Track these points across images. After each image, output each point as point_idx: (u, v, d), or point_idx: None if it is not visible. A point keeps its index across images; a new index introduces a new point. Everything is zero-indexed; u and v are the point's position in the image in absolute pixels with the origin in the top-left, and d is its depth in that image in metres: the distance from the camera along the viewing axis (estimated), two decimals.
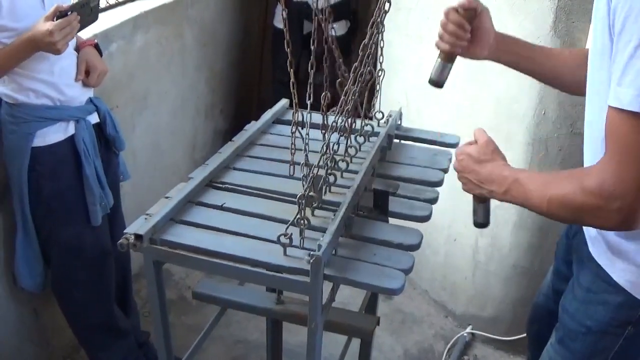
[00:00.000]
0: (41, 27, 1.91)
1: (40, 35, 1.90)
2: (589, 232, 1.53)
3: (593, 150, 1.40)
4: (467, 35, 1.58)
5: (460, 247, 3.06)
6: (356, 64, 1.53)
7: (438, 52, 1.67)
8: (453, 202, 2.92)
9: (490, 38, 1.61)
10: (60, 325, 2.55)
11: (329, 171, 1.63)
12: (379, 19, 1.48)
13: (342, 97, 1.55)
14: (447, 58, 1.61)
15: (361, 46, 1.51)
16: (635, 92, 1.09)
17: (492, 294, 3.02)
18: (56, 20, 1.92)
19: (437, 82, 1.65)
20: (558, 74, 1.69)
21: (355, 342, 2.13)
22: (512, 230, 2.80)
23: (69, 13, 1.95)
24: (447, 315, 3.25)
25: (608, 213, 1.18)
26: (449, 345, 3.06)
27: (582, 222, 1.30)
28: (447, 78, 1.66)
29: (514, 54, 1.68)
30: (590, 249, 1.52)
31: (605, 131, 1.18)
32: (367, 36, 1.53)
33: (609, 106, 1.15)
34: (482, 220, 1.59)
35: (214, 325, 1.93)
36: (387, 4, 1.45)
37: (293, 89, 1.61)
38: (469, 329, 3.11)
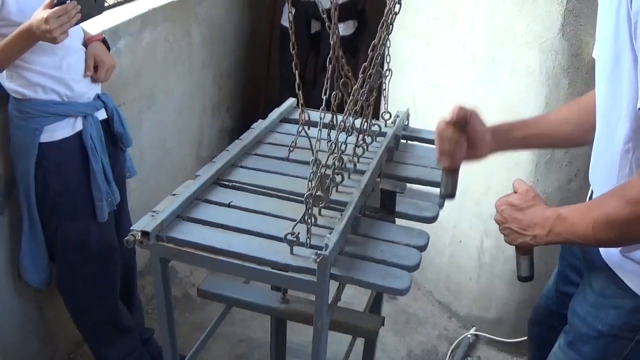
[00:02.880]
0: (38, 15, 1.89)
1: (37, 23, 1.88)
2: None
3: (606, 164, 1.40)
4: (464, 146, 1.54)
5: (466, 248, 3.05)
6: (365, 64, 1.53)
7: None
8: (459, 202, 2.92)
9: (487, 138, 1.57)
10: (64, 320, 2.55)
11: (337, 171, 1.63)
12: (388, 20, 1.48)
13: (350, 97, 1.55)
14: (452, 171, 1.60)
15: (371, 46, 1.51)
16: None
17: (496, 295, 3.02)
18: (53, 8, 1.89)
19: (451, 194, 1.63)
20: (563, 134, 1.66)
21: (359, 342, 2.13)
22: None
23: (67, 1, 1.91)
24: (451, 316, 3.25)
25: None
26: (452, 347, 3.06)
27: (632, 238, 1.25)
28: (456, 187, 1.63)
29: (514, 140, 1.65)
30: (602, 253, 1.51)
31: None
32: (377, 37, 1.52)
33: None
34: (526, 273, 1.56)
35: (219, 323, 1.94)
36: (397, 6, 1.44)
37: (299, 90, 1.61)
38: (472, 330, 3.11)
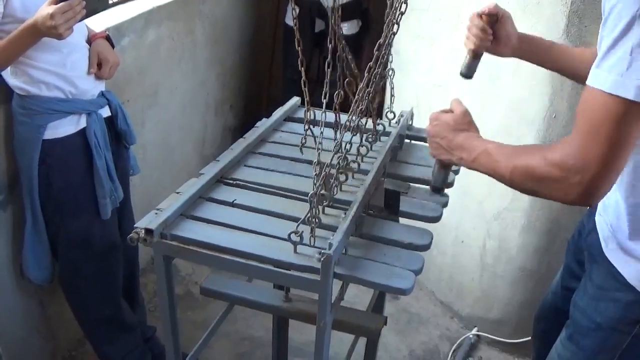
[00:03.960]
0: (43, 11, 1.89)
1: (42, 19, 1.88)
2: (603, 231, 1.56)
3: None
4: (490, 37, 1.77)
5: (468, 248, 3.05)
6: (371, 63, 1.53)
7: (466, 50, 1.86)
8: (462, 203, 2.92)
9: (513, 40, 1.79)
10: (67, 317, 2.55)
11: (341, 170, 1.63)
12: (394, 20, 1.48)
13: (356, 96, 1.55)
14: (474, 55, 1.81)
15: (376, 46, 1.51)
16: (614, 77, 1.14)
17: (498, 296, 3.02)
18: (59, 4, 1.89)
19: (467, 74, 1.86)
20: (575, 70, 1.78)
21: (360, 342, 2.13)
22: (520, 233, 2.80)
23: None
24: (453, 317, 3.25)
25: (568, 186, 1.22)
26: (454, 347, 3.06)
27: (542, 193, 1.31)
28: (475, 71, 1.87)
29: (534, 54, 1.84)
30: (603, 247, 1.55)
31: (578, 108, 1.23)
32: (382, 36, 1.53)
33: (587, 85, 1.20)
34: (439, 184, 1.63)
35: (221, 321, 1.93)
36: (403, 5, 1.44)
37: (305, 87, 1.61)
38: (474, 331, 3.11)
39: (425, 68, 3.04)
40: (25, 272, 2.31)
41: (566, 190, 1.23)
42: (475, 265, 3.05)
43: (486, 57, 2.66)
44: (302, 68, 1.54)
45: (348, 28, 4.01)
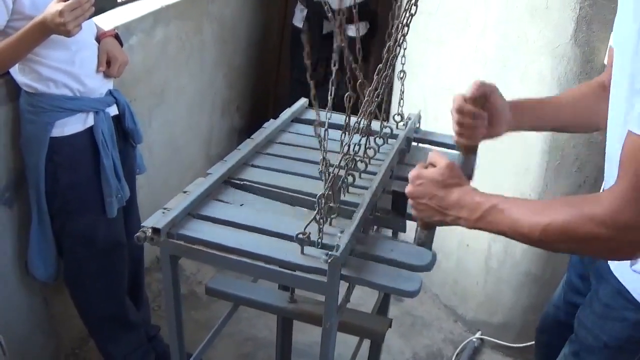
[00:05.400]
0: (52, 8, 1.90)
1: (51, 16, 1.89)
2: None
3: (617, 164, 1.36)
4: (485, 121, 1.48)
5: (473, 252, 3.05)
6: (380, 65, 1.52)
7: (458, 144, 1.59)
8: None
9: (506, 114, 1.52)
10: (71, 315, 2.56)
11: (348, 172, 1.63)
12: (404, 22, 1.48)
13: (366, 98, 1.55)
14: (471, 150, 1.53)
15: (386, 48, 1.51)
16: None
17: (502, 300, 3.02)
18: (68, 1, 1.90)
19: (468, 177, 1.50)
20: (574, 119, 1.62)
21: (364, 344, 2.13)
22: None
23: None
24: (456, 320, 3.25)
25: (619, 244, 1.09)
26: (457, 350, 3.06)
27: (584, 252, 1.23)
28: (474, 169, 1.56)
29: (531, 118, 1.60)
30: (612, 266, 1.52)
31: (622, 157, 1.09)
32: (392, 39, 1.52)
33: (629, 131, 1.06)
34: (424, 244, 1.51)
35: (226, 322, 1.93)
36: (414, 7, 1.44)
37: (314, 88, 1.61)
38: (478, 335, 3.11)
39: (433, 71, 3.04)
40: (31, 270, 2.32)
41: (617, 248, 1.11)
42: (480, 269, 3.05)
43: (493, 59, 2.68)
44: (310, 70, 1.53)
45: (355, 30, 4.00)
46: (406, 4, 1.46)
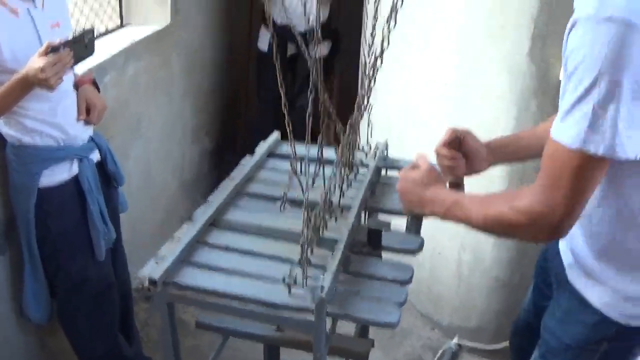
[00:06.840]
0: (33, 64, 1.93)
1: (33, 72, 1.92)
2: (567, 258, 1.66)
3: None
4: (462, 160, 1.76)
5: (445, 260, 3.15)
6: (358, 99, 1.64)
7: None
8: None
9: (483, 153, 1.78)
10: (67, 352, 2.58)
11: (327, 211, 1.73)
12: (371, 75, 1.59)
13: (341, 142, 1.66)
14: (456, 185, 1.79)
15: (356, 106, 1.61)
16: (576, 133, 1.25)
17: (475, 305, 3.13)
18: (48, 56, 1.93)
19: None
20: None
21: None
22: (494, 246, 2.92)
23: (61, 49, 1.96)
24: (433, 327, 3.35)
25: (536, 229, 1.36)
26: (437, 356, 3.16)
27: (515, 237, 1.49)
28: None
29: (508, 153, 1.85)
30: (568, 273, 1.65)
31: (542, 158, 1.34)
32: (367, 82, 1.64)
33: (550, 138, 1.31)
34: (415, 232, 1.83)
35: (219, 354, 2.02)
36: (378, 60, 1.55)
37: (284, 117, 1.69)
38: (455, 340, 3.22)
39: (398, 92, 3.12)
40: (26, 312, 2.36)
41: (535, 233, 1.38)
42: (452, 276, 3.15)
43: (454, 78, 2.78)
44: (283, 94, 1.64)
45: (319, 50, 4.08)
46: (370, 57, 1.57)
